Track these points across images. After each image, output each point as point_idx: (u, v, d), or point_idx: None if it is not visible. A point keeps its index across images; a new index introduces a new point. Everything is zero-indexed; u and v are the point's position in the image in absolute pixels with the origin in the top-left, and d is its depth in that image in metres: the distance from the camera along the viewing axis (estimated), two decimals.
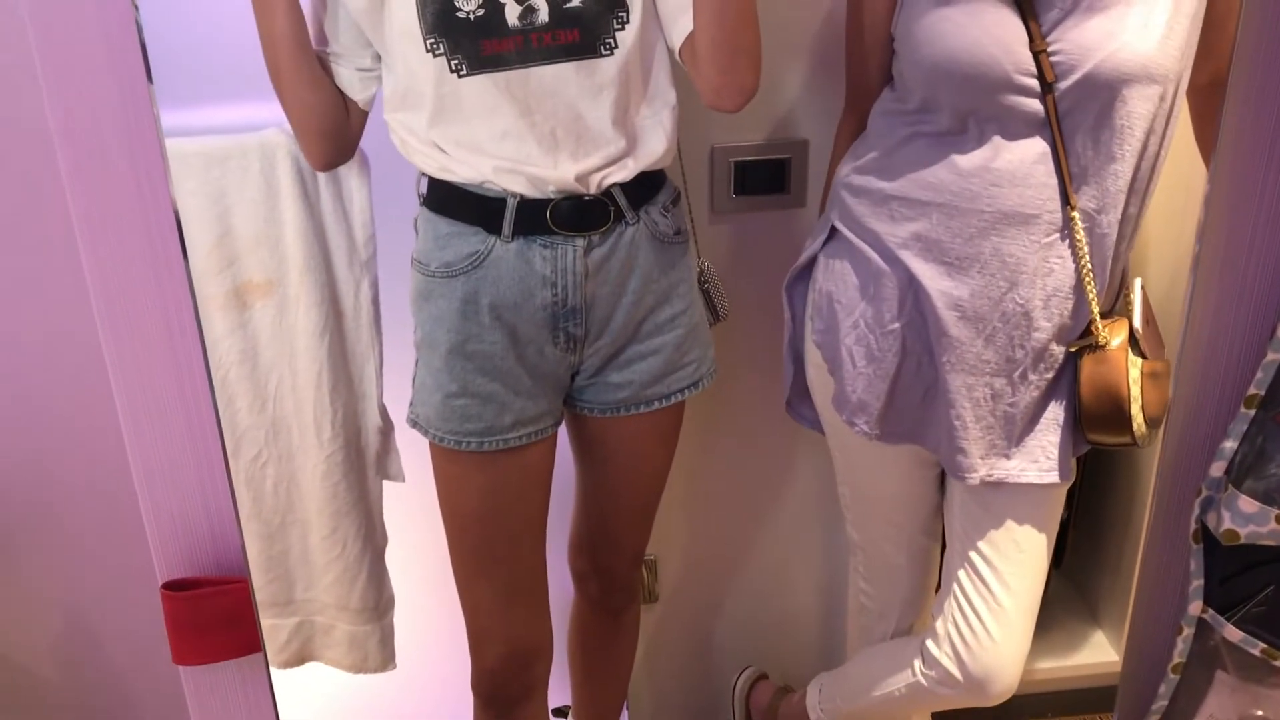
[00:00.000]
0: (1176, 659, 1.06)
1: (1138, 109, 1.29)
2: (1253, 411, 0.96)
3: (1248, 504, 0.98)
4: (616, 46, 1.34)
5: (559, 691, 1.87)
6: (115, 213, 0.82)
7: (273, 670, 1.82)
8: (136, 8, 0.81)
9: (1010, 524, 1.48)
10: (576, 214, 1.38)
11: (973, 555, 1.51)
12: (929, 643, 1.56)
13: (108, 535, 0.99)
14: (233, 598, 0.81)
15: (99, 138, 0.83)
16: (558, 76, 1.33)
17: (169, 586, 0.82)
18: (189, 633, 0.83)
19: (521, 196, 1.37)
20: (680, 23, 1.36)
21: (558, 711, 1.93)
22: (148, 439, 0.81)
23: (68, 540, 1.06)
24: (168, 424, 0.81)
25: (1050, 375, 1.42)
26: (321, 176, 1.58)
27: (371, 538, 1.79)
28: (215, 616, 0.83)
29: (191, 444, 0.80)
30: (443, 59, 1.31)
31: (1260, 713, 1.09)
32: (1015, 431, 1.43)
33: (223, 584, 0.81)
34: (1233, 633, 1.03)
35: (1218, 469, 0.99)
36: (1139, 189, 1.36)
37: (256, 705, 0.88)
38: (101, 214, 0.83)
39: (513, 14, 1.30)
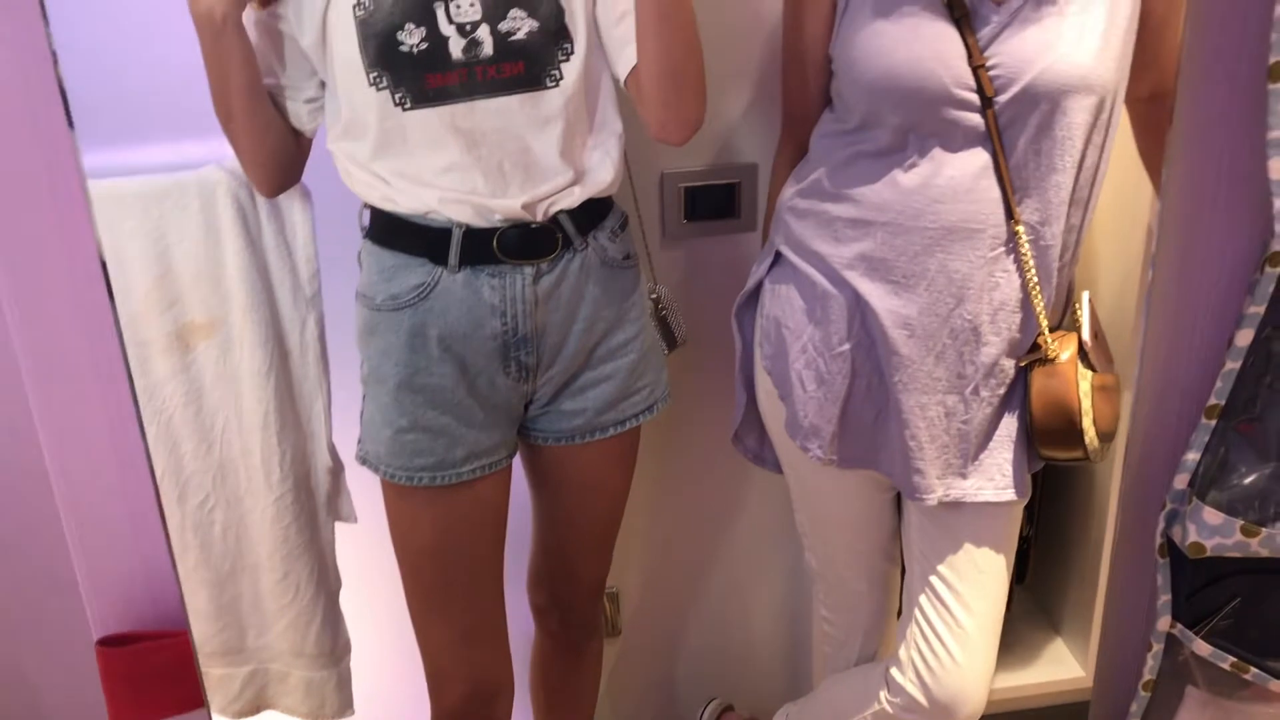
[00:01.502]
0: (1147, 676, 1.05)
1: (1077, 119, 1.29)
2: (1214, 422, 0.95)
3: (1212, 515, 0.97)
4: (562, 78, 1.32)
5: None
6: (40, 261, 0.79)
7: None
8: (54, 54, 0.78)
9: (968, 545, 1.47)
10: (524, 242, 1.36)
11: (932, 579, 1.50)
12: (893, 670, 1.55)
13: (45, 586, 0.95)
14: (172, 651, 0.78)
15: (21, 184, 0.80)
16: (503, 109, 1.31)
17: (104, 642, 0.78)
18: (127, 690, 0.79)
19: (467, 226, 1.35)
20: (625, 54, 1.35)
21: None
22: (78, 489, 0.77)
23: (2, 593, 1.02)
24: (98, 473, 0.77)
25: (1002, 391, 1.41)
26: (263, 212, 1.55)
27: (325, 581, 1.75)
28: (154, 672, 0.79)
29: (125, 493, 0.77)
30: (386, 92, 1.29)
31: None
32: (970, 449, 1.42)
33: (161, 637, 0.78)
34: (1202, 647, 1.03)
35: (1181, 481, 0.98)
36: (1080, 200, 1.36)
37: None
38: (25, 262, 0.80)
39: (456, 47, 1.29)
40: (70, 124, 0.81)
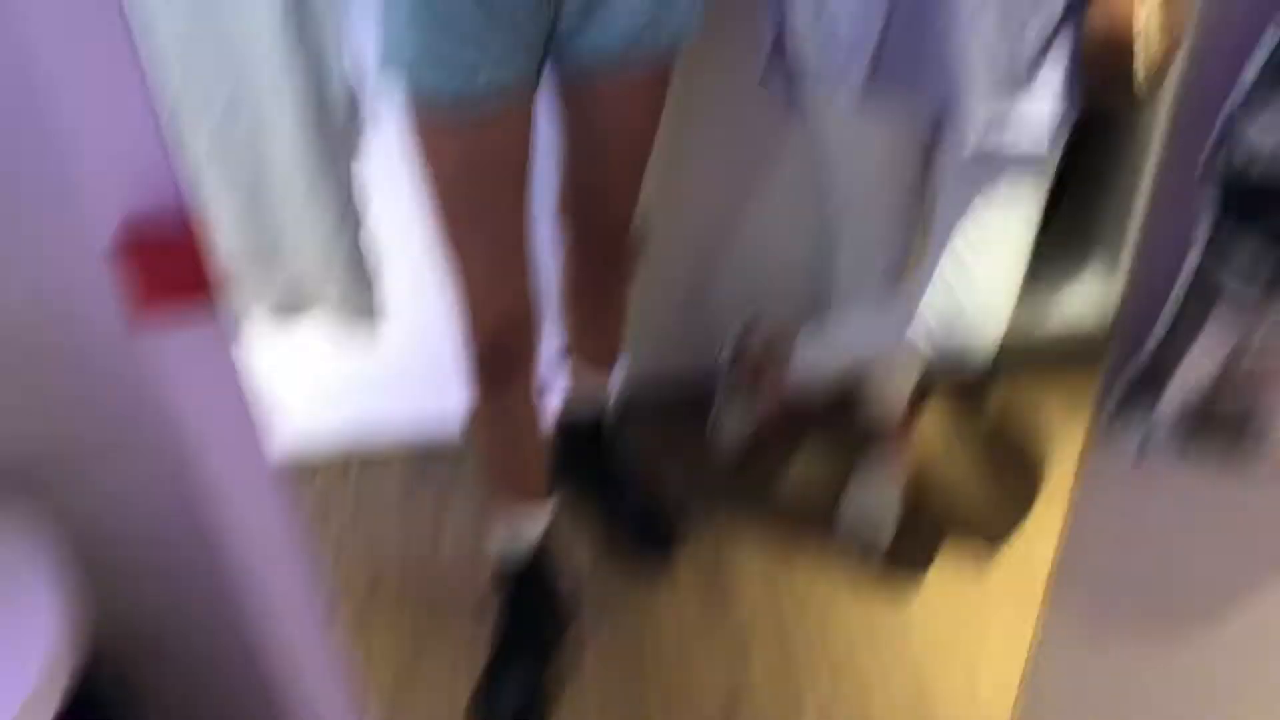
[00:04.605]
0: (1177, 291, 1.04)
1: None
2: None
3: (1268, 127, 0.92)
4: None
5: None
6: None
7: (266, 325, 1.86)
8: None
9: (999, 195, 1.45)
10: None
11: (959, 226, 1.49)
12: (915, 309, 1.56)
13: (55, 193, 0.93)
14: (184, 233, 0.77)
15: None
16: None
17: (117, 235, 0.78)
18: (144, 275, 0.79)
19: None
20: None
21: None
22: (74, 95, 0.74)
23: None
24: (95, 75, 0.73)
25: (1054, 23, 1.33)
26: None
27: (354, 188, 1.75)
28: (168, 255, 0.78)
29: (120, 91, 0.73)
30: None
31: (1257, 340, 1.08)
32: (1018, 85, 1.36)
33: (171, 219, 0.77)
34: (1236, 261, 1.00)
35: (1239, 94, 0.92)
36: None
37: (220, 355, 0.86)
38: None
39: None
40: None
